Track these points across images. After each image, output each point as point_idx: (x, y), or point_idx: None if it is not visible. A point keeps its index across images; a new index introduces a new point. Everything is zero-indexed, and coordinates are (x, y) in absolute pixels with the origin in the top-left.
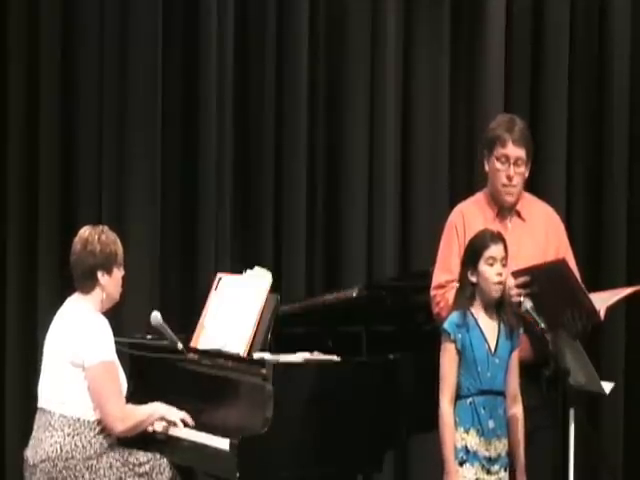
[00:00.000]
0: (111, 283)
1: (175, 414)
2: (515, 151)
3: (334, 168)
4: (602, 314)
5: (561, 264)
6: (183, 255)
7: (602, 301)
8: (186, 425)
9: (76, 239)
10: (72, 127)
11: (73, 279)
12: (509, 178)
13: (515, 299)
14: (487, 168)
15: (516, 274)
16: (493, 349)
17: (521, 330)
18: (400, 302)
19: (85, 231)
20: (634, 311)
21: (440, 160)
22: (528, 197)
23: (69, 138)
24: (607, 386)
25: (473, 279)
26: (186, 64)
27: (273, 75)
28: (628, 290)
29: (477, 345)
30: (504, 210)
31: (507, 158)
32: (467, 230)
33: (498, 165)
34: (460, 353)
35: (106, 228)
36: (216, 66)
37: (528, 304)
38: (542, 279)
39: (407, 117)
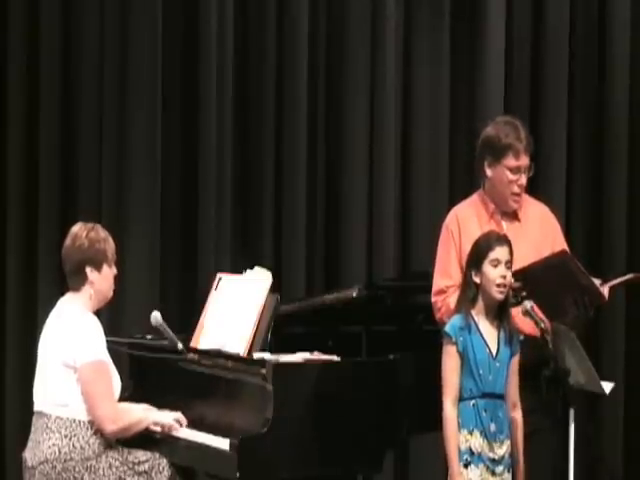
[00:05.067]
0: (101, 280)
1: (168, 417)
2: (526, 160)
3: (334, 168)
4: (606, 293)
5: (564, 256)
6: (183, 255)
7: (605, 287)
8: (180, 425)
9: (67, 236)
10: (72, 127)
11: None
12: (521, 187)
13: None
14: (489, 173)
15: (515, 274)
16: (494, 353)
17: (521, 337)
18: (400, 302)
19: (75, 227)
20: (634, 311)
21: (440, 160)
22: (524, 197)
23: (69, 138)
24: (607, 386)
25: (477, 280)
26: (186, 64)
27: (273, 76)
28: (630, 275)
29: (478, 348)
30: (499, 211)
31: (519, 169)
32: (462, 233)
33: (510, 175)
34: (462, 355)
35: (98, 226)
36: (216, 66)
37: (528, 304)
38: (544, 274)
39: (407, 118)
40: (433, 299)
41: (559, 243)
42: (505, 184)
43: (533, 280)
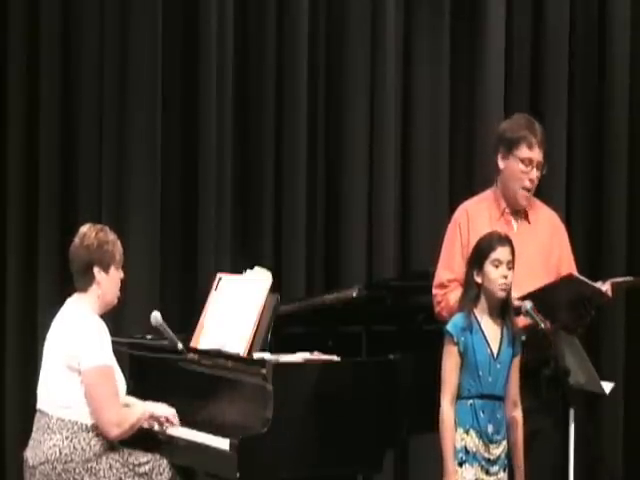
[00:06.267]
0: (108, 281)
1: (163, 410)
2: (539, 155)
3: (334, 168)
4: (608, 290)
5: (569, 279)
6: (183, 255)
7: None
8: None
9: (76, 235)
10: (72, 127)
11: (73, 278)
12: (532, 181)
13: (517, 303)
14: (501, 166)
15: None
16: (495, 354)
17: (523, 337)
18: (400, 302)
19: (84, 227)
20: (634, 311)
21: (440, 160)
22: (535, 201)
23: (69, 138)
24: (607, 386)
25: (478, 280)
26: (186, 64)
27: (273, 76)
28: (630, 278)
29: (479, 349)
30: (511, 210)
31: (531, 161)
32: (471, 229)
33: (522, 167)
34: (462, 356)
35: (107, 228)
36: (216, 66)
37: (528, 304)
38: (551, 295)
39: (407, 118)
40: (434, 291)
41: (566, 250)
42: (516, 177)
43: (539, 299)
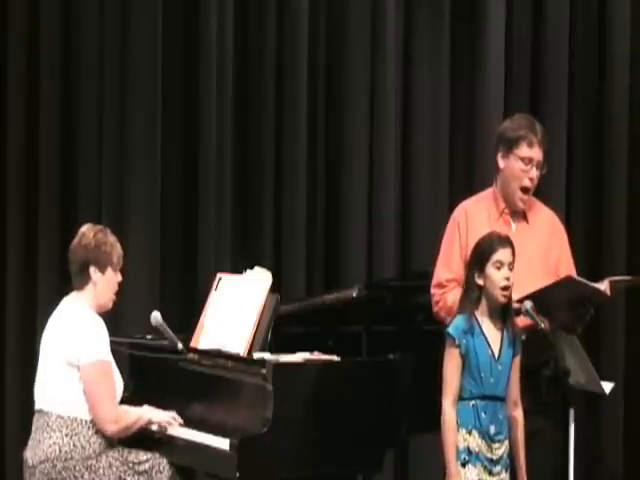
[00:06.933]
0: (103, 282)
1: (162, 415)
2: (539, 154)
3: (334, 168)
4: (607, 289)
5: (569, 281)
6: (183, 255)
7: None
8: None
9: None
10: (72, 127)
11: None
12: (531, 180)
13: (516, 306)
14: (501, 165)
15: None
16: (497, 355)
17: (523, 337)
18: (400, 302)
19: (85, 227)
20: (634, 311)
21: (440, 160)
22: (534, 201)
23: (69, 138)
24: (607, 386)
25: (480, 282)
26: (186, 64)
27: (273, 76)
28: (629, 277)
29: (481, 351)
30: (510, 210)
31: (531, 160)
32: (470, 229)
33: (521, 166)
34: (464, 358)
35: (107, 230)
36: (216, 66)
37: (528, 304)
38: (551, 296)
39: (407, 118)
40: (432, 291)
41: (565, 251)
42: (516, 175)
43: (538, 300)
